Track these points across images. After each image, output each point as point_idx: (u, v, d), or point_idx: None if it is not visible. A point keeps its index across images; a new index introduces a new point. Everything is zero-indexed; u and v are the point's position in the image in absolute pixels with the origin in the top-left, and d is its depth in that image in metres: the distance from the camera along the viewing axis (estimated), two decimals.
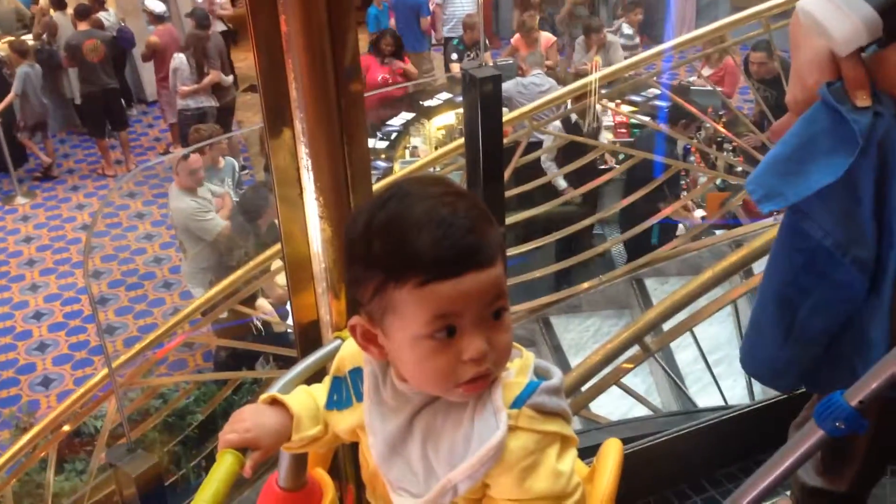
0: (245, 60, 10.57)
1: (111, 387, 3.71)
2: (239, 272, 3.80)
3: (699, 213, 6.51)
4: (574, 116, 6.08)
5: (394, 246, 0.91)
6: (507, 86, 7.01)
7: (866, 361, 1.32)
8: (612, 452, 1.12)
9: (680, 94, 7.61)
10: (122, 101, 9.20)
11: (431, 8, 9.86)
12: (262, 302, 5.01)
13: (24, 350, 6.53)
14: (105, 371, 3.72)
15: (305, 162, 1.28)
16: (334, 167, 1.30)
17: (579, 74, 8.55)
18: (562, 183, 5.90)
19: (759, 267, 3.42)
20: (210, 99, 8.35)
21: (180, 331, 3.95)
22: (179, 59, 8.02)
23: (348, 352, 1.11)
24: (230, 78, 8.75)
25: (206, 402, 4.23)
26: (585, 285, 4.61)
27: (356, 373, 1.08)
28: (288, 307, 4.02)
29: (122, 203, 8.30)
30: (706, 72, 8.10)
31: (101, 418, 4.03)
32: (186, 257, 6.06)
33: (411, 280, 0.90)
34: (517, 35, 8.71)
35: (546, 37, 8.67)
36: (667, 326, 3.25)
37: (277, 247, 3.47)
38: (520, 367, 0.99)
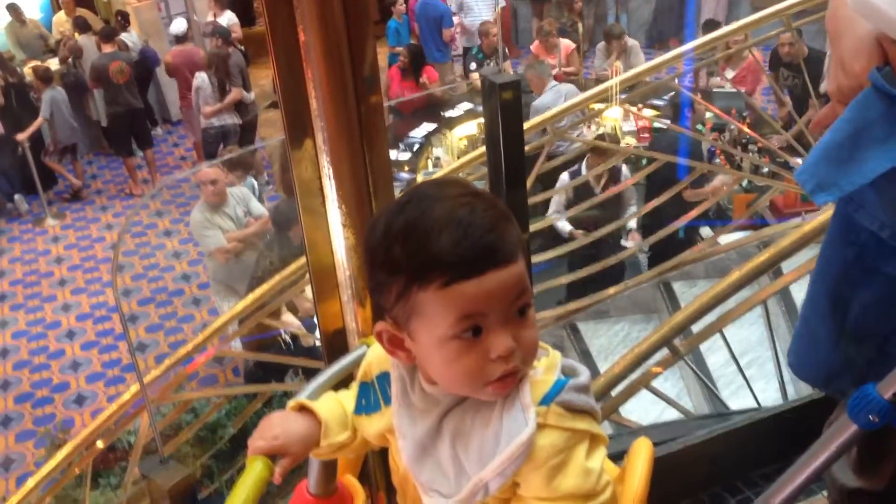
0: (266, 79, 10.67)
1: (143, 402, 3.74)
2: (266, 285, 3.82)
3: None
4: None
5: (415, 249, 0.91)
6: (546, 100, 6.95)
7: None
8: (642, 452, 1.11)
9: (702, 97, 7.61)
10: (147, 121, 9.31)
11: (455, 19, 9.89)
12: (287, 317, 5.03)
13: (57, 369, 6.61)
14: (137, 387, 3.75)
15: (327, 171, 1.28)
16: (356, 175, 1.30)
17: (600, 80, 8.55)
18: (566, 226, 5.64)
19: (788, 266, 3.38)
20: (233, 116, 8.44)
21: (209, 345, 3.98)
22: (201, 78, 8.11)
23: (375, 357, 1.11)
24: (252, 95, 8.83)
25: (237, 415, 4.26)
26: (612, 290, 4.58)
27: (383, 377, 1.08)
28: (315, 320, 4.03)
29: (151, 222, 8.40)
30: (729, 74, 8.05)
31: (134, 433, 4.06)
32: None
33: (434, 282, 0.90)
34: (536, 42, 8.71)
35: (566, 44, 8.66)
36: (696, 329, 3.22)
37: (304, 259, 3.49)
38: (547, 366, 1.00)
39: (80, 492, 3.75)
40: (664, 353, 3.01)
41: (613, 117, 8.05)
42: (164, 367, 3.75)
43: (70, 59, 9.34)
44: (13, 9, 9.97)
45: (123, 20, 9.80)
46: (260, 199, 6.80)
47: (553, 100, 6.95)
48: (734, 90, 7.51)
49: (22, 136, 8.35)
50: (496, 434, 0.95)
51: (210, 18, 10.07)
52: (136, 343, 6.62)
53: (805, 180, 1.19)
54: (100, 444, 3.67)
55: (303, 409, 1.11)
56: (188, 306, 7.19)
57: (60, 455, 3.61)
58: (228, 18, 10.06)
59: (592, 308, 4.60)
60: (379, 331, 0.99)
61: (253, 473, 1.01)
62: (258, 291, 3.91)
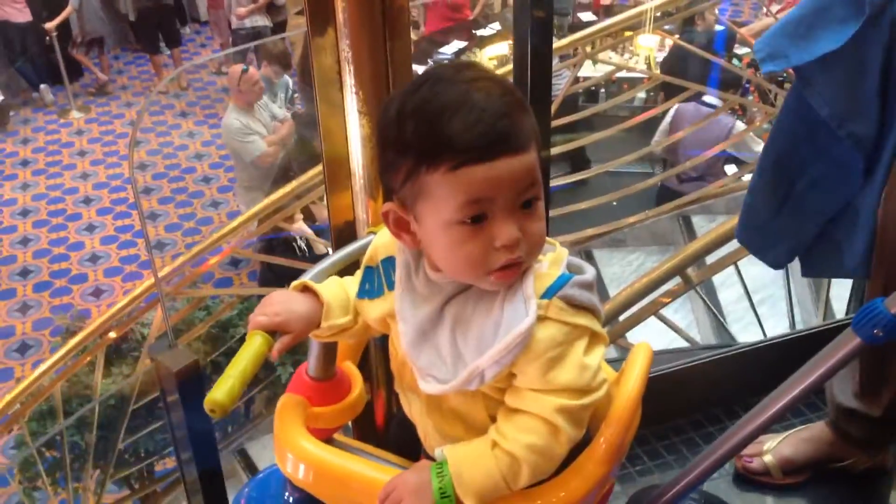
0: None
1: (158, 296, 3.80)
2: (284, 189, 3.83)
3: None
4: None
5: (427, 129, 0.90)
6: None
7: (853, 245, 1.35)
8: (641, 355, 1.11)
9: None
10: (176, 19, 9.21)
11: None
12: (300, 224, 5.03)
13: (76, 261, 6.71)
14: (152, 280, 3.80)
15: (346, 54, 1.26)
16: (375, 61, 1.28)
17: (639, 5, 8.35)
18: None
19: None
20: (265, 18, 8.33)
21: (225, 245, 4.01)
22: None
23: (381, 242, 1.10)
24: None
25: (248, 315, 4.30)
26: (632, 219, 4.55)
27: (388, 262, 1.08)
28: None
29: (175, 122, 8.36)
30: (774, 8, 7.83)
31: (148, 325, 4.14)
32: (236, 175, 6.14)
33: (444, 164, 0.89)
34: None
35: None
36: (710, 261, 3.21)
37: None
38: (552, 260, 0.99)
39: (92, 378, 3.84)
40: (676, 281, 3.00)
41: (648, 45, 7.88)
42: (179, 261, 3.80)
43: None
44: None
45: None
46: (292, 100, 6.75)
47: None
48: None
49: (50, 25, 8.29)
50: (496, 323, 0.95)
51: None
52: (155, 241, 6.69)
53: (759, 49, 1.25)
54: (112, 334, 3.74)
55: (306, 289, 1.11)
56: (207, 208, 7.23)
57: (74, 341, 3.68)
58: None
59: (609, 236, 4.58)
60: (385, 211, 0.99)
61: (252, 347, 1.01)
62: (275, 195, 3.92)
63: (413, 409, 1.12)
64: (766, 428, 1.16)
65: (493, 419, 1.00)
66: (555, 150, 4.49)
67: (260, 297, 4.61)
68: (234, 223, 3.97)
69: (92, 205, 7.36)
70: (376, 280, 1.09)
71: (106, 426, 3.99)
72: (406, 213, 0.97)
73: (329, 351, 1.18)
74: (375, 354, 1.41)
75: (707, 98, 5.23)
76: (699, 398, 1.94)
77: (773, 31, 1.25)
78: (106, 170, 7.83)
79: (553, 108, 3.98)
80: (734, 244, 3.08)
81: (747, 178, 4.82)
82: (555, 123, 4.22)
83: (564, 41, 4.38)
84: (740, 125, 5.17)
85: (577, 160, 6.17)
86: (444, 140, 0.89)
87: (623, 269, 4.64)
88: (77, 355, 3.78)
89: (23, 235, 7.01)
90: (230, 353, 4.20)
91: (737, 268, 3.51)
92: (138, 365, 3.88)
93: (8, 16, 8.32)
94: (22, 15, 8.40)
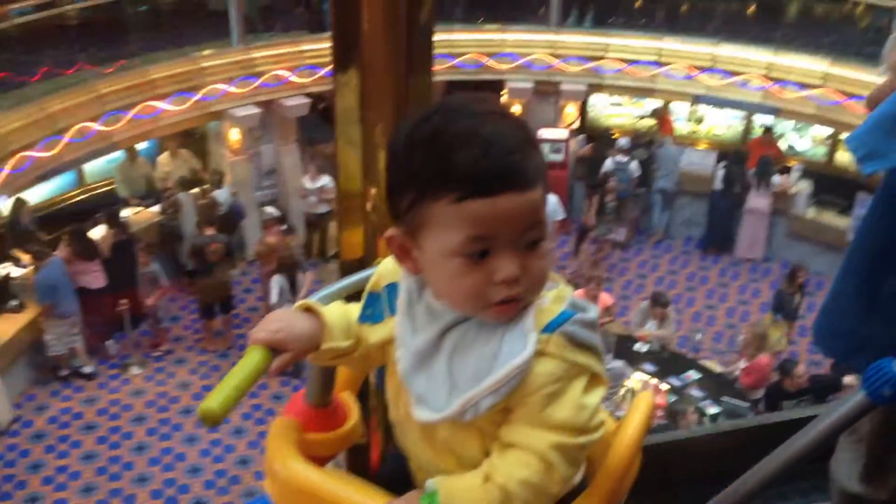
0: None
1: None
2: None
3: None
4: None
5: (433, 159, 0.92)
6: None
7: None
8: (643, 404, 1.12)
9: (715, 379, 8.52)
10: (231, 292, 10.25)
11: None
12: None
13: None
14: None
15: (368, 87, 1.34)
16: (396, 95, 1.34)
17: (631, 338, 9.44)
18: None
19: None
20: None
21: None
22: (282, 283, 9.23)
23: (386, 268, 1.12)
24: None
25: None
26: None
27: (392, 288, 1.09)
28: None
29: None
30: (742, 363, 8.94)
31: None
32: None
33: (447, 195, 0.91)
34: (581, 290, 9.59)
35: (604, 297, 9.56)
36: None
37: None
38: (555, 297, 1.00)
39: None
40: None
41: (636, 380, 9.07)
42: None
43: (169, 211, 10.47)
44: (130, 148, 10.95)
45: (219, 177, 10.87)
46: None
47: None
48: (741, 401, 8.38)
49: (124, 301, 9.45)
50: (494, 354, 0.96)
51: (308, 183, 11.04)
52: None
53: (855, 147, 1.17)
54: None
55: (309, 310, 1.12)
56: None
57: None
58: (324, 182, 10.88)
59: None
60: (389, 236, 1.00)
61: (250, 361, 1.01)
62: None
63: (407, 440, 1.12)
64: (769, 486, 1.15)
65: (488, 455, 1.00)
66: None
67: None
68: None
69: (145, 485, 8.35)
70: (379, 305, 1.12)
71: None
72: (409, 239, 0.98)
73: (327, 377, 1.18)
74: (375, 391, 1.44)
75: None
76: (705, 469, 1.86)
77: (867, 128, 1.18)
78: (159, 442, 8.79)
79: None
80: None
81: None
82: None
83: None
84: None
85: None
86: (450, 171, 0.90)
87: None
88: None
89: None
90: None
91: None
92: None
93: (86, 283, 9.53)
94: (97, 281, 9.60)
